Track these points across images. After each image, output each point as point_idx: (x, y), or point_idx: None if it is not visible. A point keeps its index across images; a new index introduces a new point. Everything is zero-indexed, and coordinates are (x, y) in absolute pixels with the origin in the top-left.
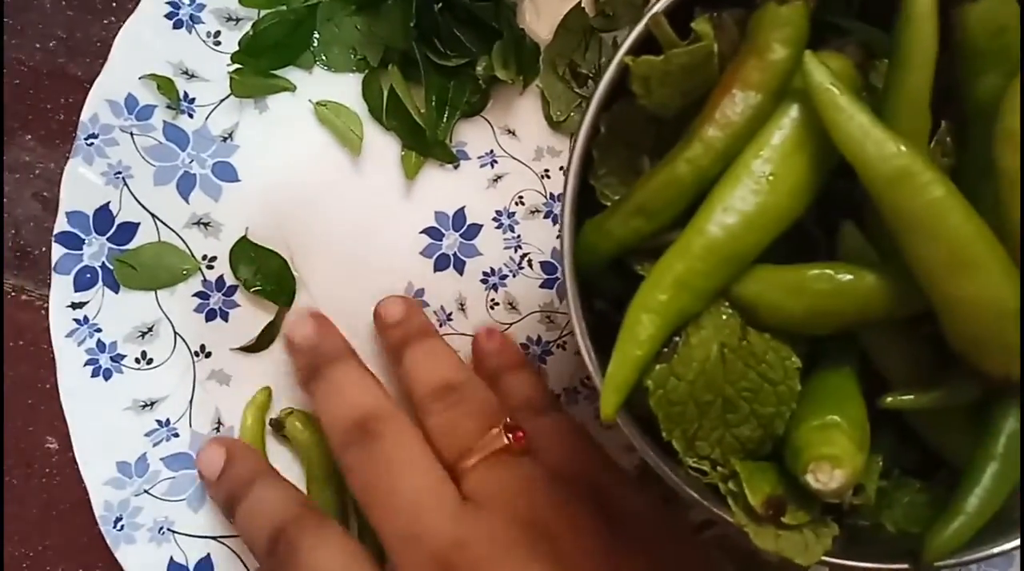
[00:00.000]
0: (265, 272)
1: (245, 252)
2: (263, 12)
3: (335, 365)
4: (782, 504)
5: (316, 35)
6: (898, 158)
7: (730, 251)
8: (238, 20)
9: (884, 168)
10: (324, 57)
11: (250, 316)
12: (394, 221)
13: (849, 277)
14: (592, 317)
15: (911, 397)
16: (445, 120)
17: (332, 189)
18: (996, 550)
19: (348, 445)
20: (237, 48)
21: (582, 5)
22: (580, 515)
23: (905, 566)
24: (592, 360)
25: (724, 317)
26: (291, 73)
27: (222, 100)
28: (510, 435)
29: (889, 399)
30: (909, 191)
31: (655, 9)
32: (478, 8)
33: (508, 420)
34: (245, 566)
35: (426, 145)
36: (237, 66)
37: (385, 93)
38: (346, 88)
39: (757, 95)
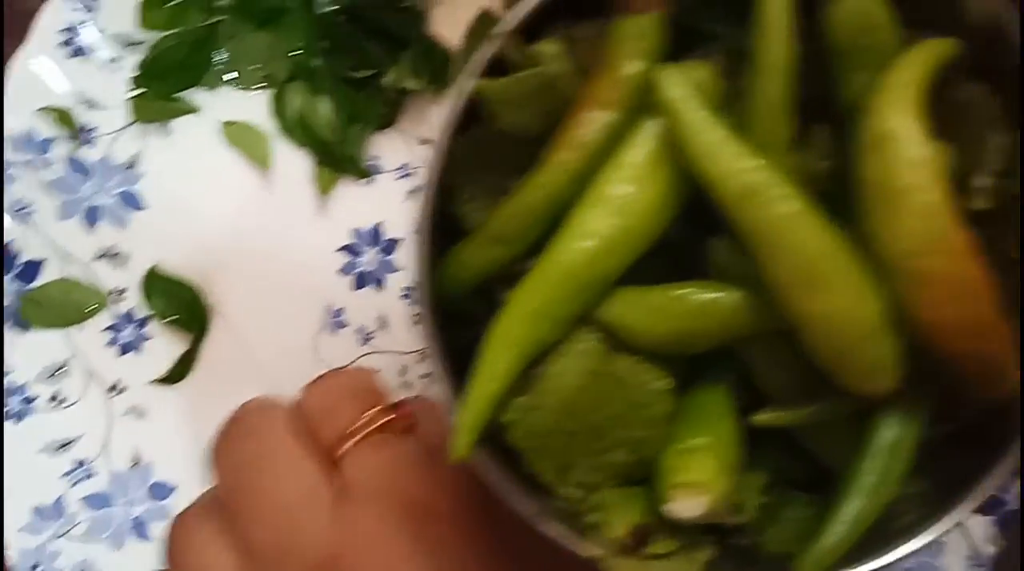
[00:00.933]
0: (177, 301)
1: (156, 282)
2: (162, 34)
3: None
4: (647, 533)
5: (221, 53)
6: (745, 174)
7: (589, 277)
8: (137, 44)
9: (731, 185)
10: (229, 76)
11: (164, 347)
12: (310, 240)
13: (713, 295)
14: (467, 347)
15: (783, 414)
16: (356, 134)
17: (244, 211)
18: (875, 565)
19: (219, 436)
20: (137, 72)
21: (489, 10)
22: (462, 490)
23: None
24: (451, 398)
25: (586, 343)
26: (196, 94)
27: (125, 127)
28: (393, 413)
29: (760, 416)
30: (756, 207)
31: (503, 28)
32: (385, 18)
33: (390, 400)
34: None
35: (338, 161)
36: (139, 91)
37: (294, 109)
38: (255, 106)
39: (611, 113)
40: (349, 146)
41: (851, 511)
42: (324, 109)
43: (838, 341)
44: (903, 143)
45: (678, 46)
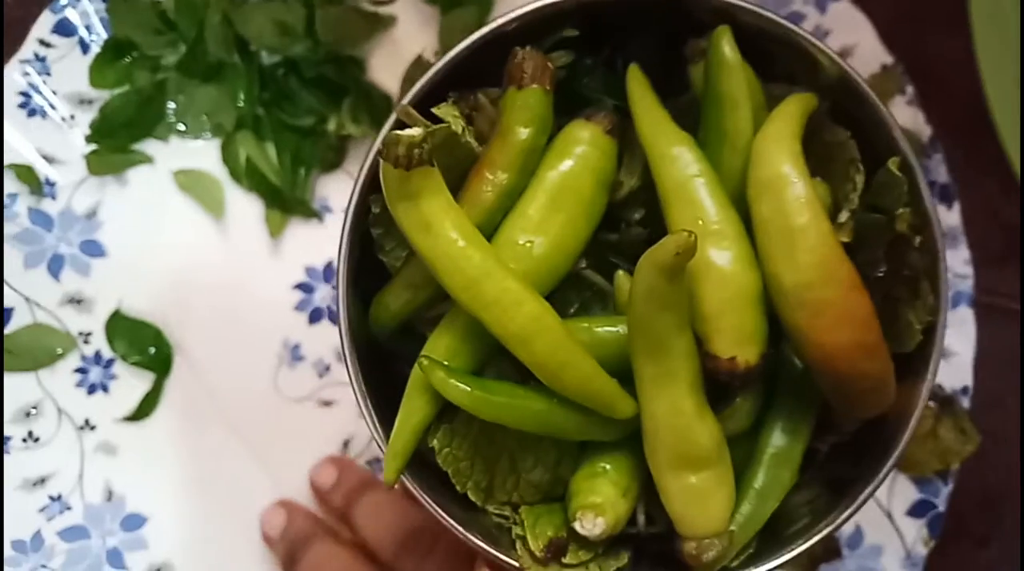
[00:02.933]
0: (140, 343)
1: (119, 325)
2: (113, 92)
3: (306, 549)
4: (562, 547)
5: (171, 105)
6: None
7: None
8: (91, 101)
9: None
10: (180, 127)
11: (130, 386)
12: (265, 279)
13: (609, 329)
14: (400, 377)
15: None
16: (303, 178)
17: (200, 254)
18: (771, 565)
19: None
20: (91, 129)
21: (423, 56)
22: None
23: None
24: (377, 430)
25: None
26: (149, 145)
27: (83, 180)
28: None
29: None
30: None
31: (405, 100)
32: (324, 69)
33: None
34: None
35: (287, 203)
36: (93, 146)
37: (243, 156)
38: (205, 154)
39: (504, 174)
40: (297, 189)
41: (741, 515)
42: (270, 155)
43: (722, 295)
44: (792, 184)
45: (567, 108)
